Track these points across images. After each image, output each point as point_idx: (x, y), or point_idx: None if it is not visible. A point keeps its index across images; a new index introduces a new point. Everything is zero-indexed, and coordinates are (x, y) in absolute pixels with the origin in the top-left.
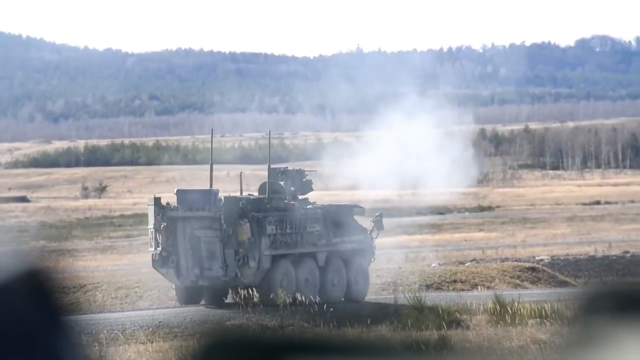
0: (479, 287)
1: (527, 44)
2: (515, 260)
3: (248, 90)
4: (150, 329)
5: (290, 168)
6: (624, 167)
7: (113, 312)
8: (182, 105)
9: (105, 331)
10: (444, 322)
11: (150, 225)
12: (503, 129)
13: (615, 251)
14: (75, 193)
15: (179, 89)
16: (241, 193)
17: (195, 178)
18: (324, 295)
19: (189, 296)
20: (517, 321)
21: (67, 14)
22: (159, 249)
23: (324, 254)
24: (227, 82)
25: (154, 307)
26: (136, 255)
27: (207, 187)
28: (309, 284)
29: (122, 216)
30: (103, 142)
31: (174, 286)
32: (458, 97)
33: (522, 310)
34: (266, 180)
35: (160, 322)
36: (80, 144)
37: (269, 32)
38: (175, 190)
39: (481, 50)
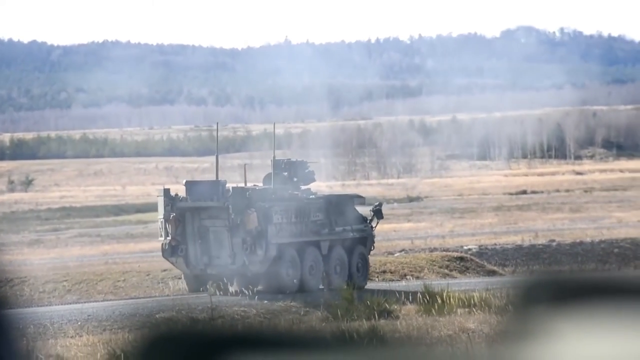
0: (408, 277)
1: (454, 34)
2: (444, 250)
3: (176, 82)
4: (79, 323)
5: (293, 160)
6: (550, 157)
7: (41, 306)
8: (110, 98)
9: (32, 325)
10: (374, 313)
11: (160, 216)
12: (431, 119)
13: (541, 240)
14: (1, 187)
15: (106, 81)
16: (245, 184)
17: (123, 171)
18: (327, 282)
19: (198, 284)
20: (446, 311)
21: None
22: (169, 238)
23: (327, 243)
24: (154, 74)
25: (82, 301)
26: (63, 249)
27: (140, 179)
28: (313, 271)
29: (49, 210)
30: (29, 135)
31: (182, 274)
32: (386, 88)
33: (450, 299)
34: (271, 171)
35: (89, 315)
36: (6, 137)
37: (197, 24)
38: (184, 182)
39: (408, 42)
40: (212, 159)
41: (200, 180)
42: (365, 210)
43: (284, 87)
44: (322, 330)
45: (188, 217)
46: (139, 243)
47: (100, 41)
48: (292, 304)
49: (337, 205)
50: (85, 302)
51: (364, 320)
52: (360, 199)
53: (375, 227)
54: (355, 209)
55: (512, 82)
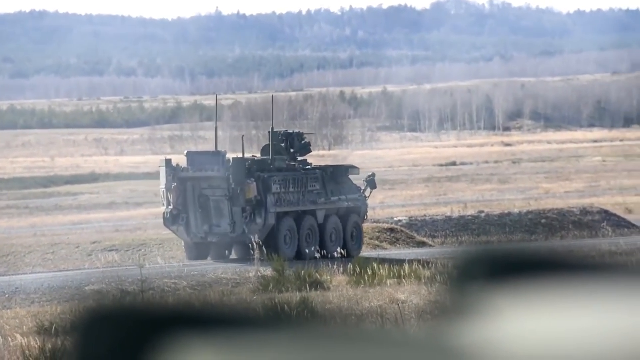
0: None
1: (385, 6)
2: (375, 222)
3: (105, 53)
4: (7, 295)
5: (290, 131)
6: (479, 128)
7: None
8: (38, 68)
9: None
10: (305, 284)
11: (162, 186)
12: (362, 91)
13: (470, 211)
14: None
15: (34, 51)
16: (243, 155)
17: (52, 142)
18: (323, 250)
19: (198, 252)
20: (376, 282)
21: None
22: (170, 207)
23: (323, 212)
24: (83, 44)
25: (10, 274)
26: None
27: (69, 151)
28: (310, 239)
29: None
30: None
31: (183, 243)
32: (317, 59)
33: (381, 271)
34: (268, 143)
35: (17, 288)
36: None
37: None
38: (185, 152)
39: (339, 13)
40: (142, 130)
41: (201, 151)
42: (359, 181)
43: (215, 59)
44: (253, 301)
45: (189, 187)
46: (68, 215)
47: (28, 11)
48: (222, 275)
49: (332, 175)
50: (13, 275)
51: (295, 291)
52: (355, 170)
53: (369, 197)
54: (349, 179)
55: (442, 54)
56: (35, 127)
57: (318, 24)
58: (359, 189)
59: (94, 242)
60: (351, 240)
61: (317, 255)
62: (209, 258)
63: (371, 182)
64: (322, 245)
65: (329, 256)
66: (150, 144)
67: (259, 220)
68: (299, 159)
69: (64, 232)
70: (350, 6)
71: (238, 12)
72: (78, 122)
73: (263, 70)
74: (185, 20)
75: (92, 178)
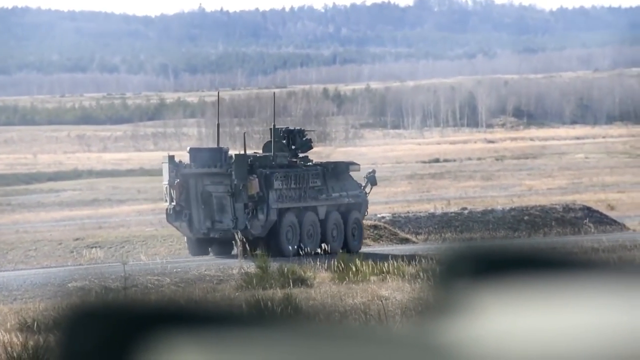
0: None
1: (368, 3)
2: None
3: (88, 49)
4: None
5: (291, 128)
6: (462, 125)
7: None
8: (20, 65)
9: None
10: (288, 281)
11: (165, 182)
12: (345, 88)
13: (453, 208)
14: None
15: (17, 47)
16: (245, 151)
17: (34, 139)
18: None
19: (200, 248)
20: (360, 278)
21: None
22: (173, 203)
23: (324, 208)
24: (66, 41)
25: None
26: None
27: (52, 148)
28: (311, 235)
29: None
30: None
31: (185, 238)
32: (301, 56)
33: (364, 267)
34: (270, 140)
35: None
36: None
37: None
38: (187, 149)
39: (323, 10)
40: (125, 127)
41: (203, 147)
42: (359, 177)
43: (198, 55)
44: (236, 298)
45: (192, 183)
46: (51, 212)
47: (10, 7)
48: (206, 272)
49: (333, 172)
50: None
51: (278, 288)
52: (355, 166)
53: (369, 193)
54: (350, 175)
55: (425, 51)
56: (18, 123)
57: (301, 21)
58: (359, 185)
59: (77, 239)
60: (352, 236)
61: (302, 251)
62: (211, 254)
63: (371, 179)
64: (324, 241)
65: (334, 252)
66: (133, 140)
67: (261, 216)
68: (300, 155)
69: (47, 229)
70: (334, 3)
71: (221, 9)
72: (60, 118)
73: (246, 66)
74: (168, 16)
75: (75, 174)
